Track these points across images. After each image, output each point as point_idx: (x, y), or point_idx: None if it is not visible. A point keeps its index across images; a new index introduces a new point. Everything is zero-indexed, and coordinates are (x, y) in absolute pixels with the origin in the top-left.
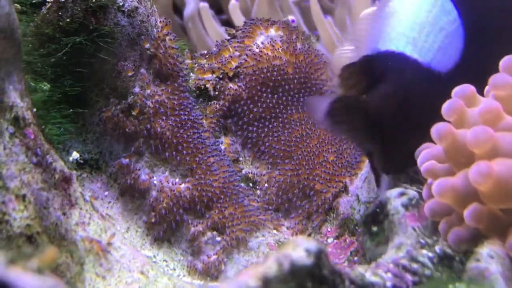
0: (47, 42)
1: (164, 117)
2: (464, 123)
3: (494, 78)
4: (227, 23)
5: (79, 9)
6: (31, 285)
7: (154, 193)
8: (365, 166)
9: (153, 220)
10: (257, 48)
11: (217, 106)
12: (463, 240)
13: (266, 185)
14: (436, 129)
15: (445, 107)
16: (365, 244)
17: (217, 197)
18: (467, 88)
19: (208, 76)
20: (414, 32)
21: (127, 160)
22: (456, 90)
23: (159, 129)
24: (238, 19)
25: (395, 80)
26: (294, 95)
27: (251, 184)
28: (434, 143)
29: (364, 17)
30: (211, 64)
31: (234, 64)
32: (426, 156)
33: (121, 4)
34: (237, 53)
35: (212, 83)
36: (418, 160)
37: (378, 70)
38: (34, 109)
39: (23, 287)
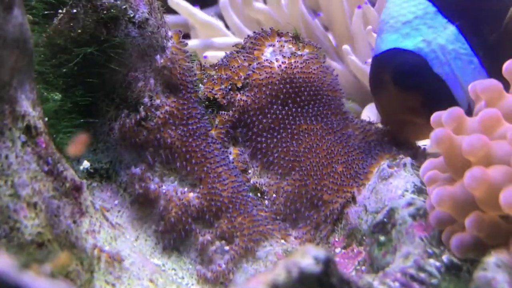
0: (59, 52)
1: (173, 127)
2: (464, 130)
3: None
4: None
5: (90, 20)
6: None
7: (163, 202)
8: (373, 176)
9: (162, 229)
10: (266, 60)
11: (226, 116)
12: (466, 245)
13: (274, 195)
14: (434, 133)
15: (445, 115)
16: (372, 254)
17: (226, 207)
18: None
19: (217, 87)
20: None
21: (137, 169)
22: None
23: (168, 139)
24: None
25: None
26: (304, 106)
27: (259, 194)
28: None
29: None
30: (220, 75)
31: (243, 75)
32: (429, 166)
33: (132, 15)
34: (246, 64)
35: (222, 94)
36: (421, 170)
37: None
38: (46, 118)
39: None
